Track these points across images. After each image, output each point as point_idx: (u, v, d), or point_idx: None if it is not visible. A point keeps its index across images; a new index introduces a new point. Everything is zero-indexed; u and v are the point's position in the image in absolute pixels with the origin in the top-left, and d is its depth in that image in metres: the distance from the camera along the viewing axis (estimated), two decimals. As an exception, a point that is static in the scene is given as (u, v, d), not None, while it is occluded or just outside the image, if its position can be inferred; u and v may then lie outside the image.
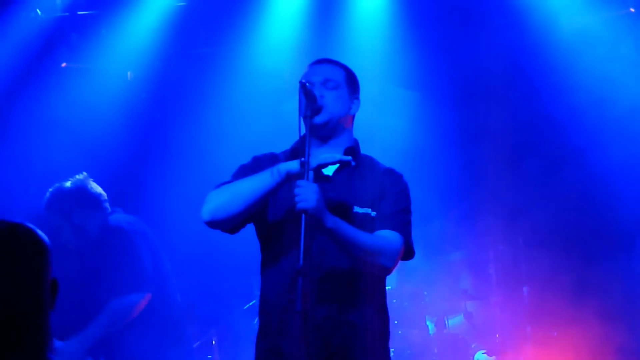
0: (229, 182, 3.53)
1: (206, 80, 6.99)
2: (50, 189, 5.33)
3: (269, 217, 3.52)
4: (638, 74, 6.24)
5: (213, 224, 3.45)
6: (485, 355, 6.74)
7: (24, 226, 2.01)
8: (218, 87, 6.95)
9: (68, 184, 5.31)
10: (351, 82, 3.68)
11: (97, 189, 5.33)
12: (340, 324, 3.41)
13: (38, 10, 6.50)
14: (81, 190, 5.27)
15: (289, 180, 3.31)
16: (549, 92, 6.62)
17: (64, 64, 6.77)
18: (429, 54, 6.75)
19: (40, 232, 2.02)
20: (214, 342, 6.27)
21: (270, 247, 3.53)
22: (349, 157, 3.37)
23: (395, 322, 6.50)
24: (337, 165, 3.55)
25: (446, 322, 6.77)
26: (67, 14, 6.68)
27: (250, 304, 6.25)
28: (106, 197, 5.34)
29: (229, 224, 3.47)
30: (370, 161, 3.68)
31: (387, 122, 6.75)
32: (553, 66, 6.53)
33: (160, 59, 6.88)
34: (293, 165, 3.30)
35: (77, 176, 5.35)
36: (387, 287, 6.28)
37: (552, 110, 6.61)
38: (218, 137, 6.88)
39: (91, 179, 5.36)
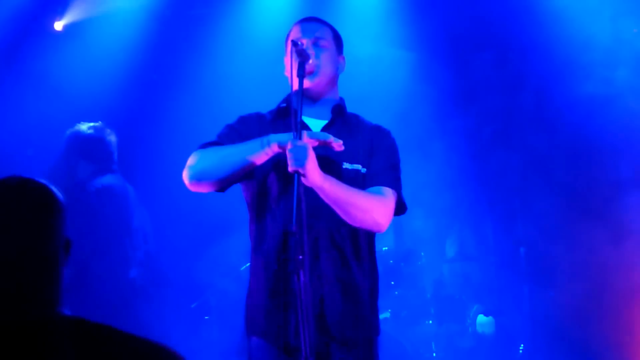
0: (214, 142, 3.52)
1: (197, 42, 6.96)
2: (71, 131, 5.37)
3: (258, 176, 3.52)
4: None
5: (195, 186, 3.43)
6: (482, 315, 6.77)
7: (37, 182, 1.96)
8: (209, 49, 6.93)
9: (85, 128, 5.36)
10: (338, 40, 3.71)
11: (112, 141, 5.38)
12: (332, 282, 3.43)
13: None
14: (98, 140, 5.32)
15: (278, 151, 3.30)
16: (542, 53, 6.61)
17: (57, 24, 6.74)
18: (424, 13, 6.71)
19: (54, 189, 1.97)
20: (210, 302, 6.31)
21: (261, 207, 3.52)
22: (340, 141, 3.36)
23: (392, 282, 6.53)
24: (325, 122, 3.57)
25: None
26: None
27: (246, 266, 6.27)
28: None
29: (212, 187, 3.46)
30: (356, 119, 3.69)
31: (381, 82, 6.72)
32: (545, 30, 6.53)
33: (153, 20, 6.85)
34: (283, 137, 3.29)
35: (97, 124, 5.39)
36: (384, 248, 6.42)
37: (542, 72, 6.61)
38: (207, 99, 6.87)
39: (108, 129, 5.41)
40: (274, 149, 3.31)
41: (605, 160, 6.33)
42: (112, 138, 5.43)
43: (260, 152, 3.33)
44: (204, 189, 3.46)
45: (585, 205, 6.50)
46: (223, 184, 3.45)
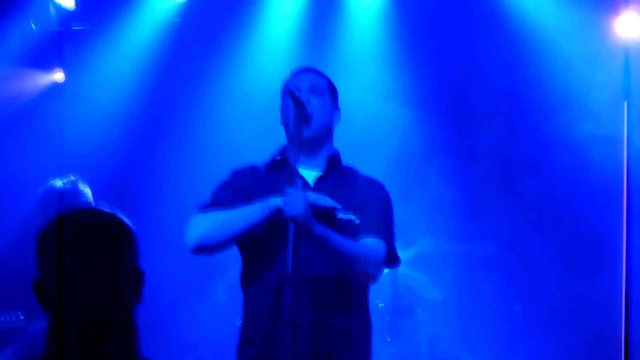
0: (212, 203, 3.53)
1: (199, 91, 7.01)
2: (45, 187, 5.30)
3: None
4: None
5: (198, 251, 3.46)
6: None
7: (112, 214, 1.86)
8: (211, 96, 6.98)
9: (60, 184, 5.30)
10: (333, 92, 3.74)
11: (88, 193, 5.32)
12: (325, 328, 3.42)
13: (32, 25, 6.51)
14: (73, 194, 5.26)
15: (279, 216, 3.31)
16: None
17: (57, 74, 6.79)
18: (422, 66, 6.79)
19: (125, 219, 1.88)
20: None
21: (255, 255, 3.52)
22: (339, 206, 3.41)
23: (388, 339, 6.48)
24: (320, 173, 3.58)
25: None
26: (62, 29, 6.69)
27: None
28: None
29: (214, 251, 3.49)
30: (351, 171, 3.72)
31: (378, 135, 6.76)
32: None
33: (154, 74, 6.90)
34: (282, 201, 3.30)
35: (70, 177, 5.34)
36: (380, 304, 6.38)
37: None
38: (205, 141, 6.91)
39: (82, 182, 5.35)
40: (275, 213, 3.32)
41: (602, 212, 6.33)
42: (87, 190, 5.37)
43: (261, 219, 3.35)
44: (205, 253, 3.49)
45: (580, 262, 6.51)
46: (225, 248, 3.48)
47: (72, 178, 5.33)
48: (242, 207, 3.43)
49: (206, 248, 3.45)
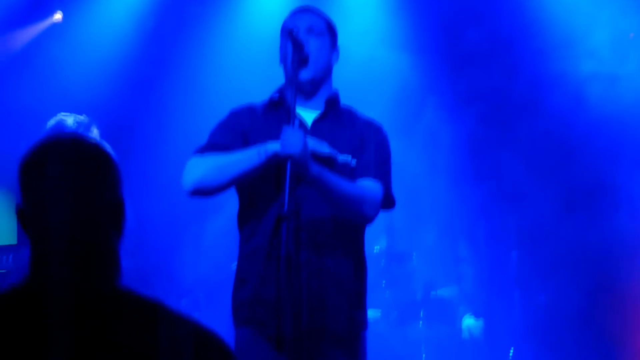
0: (209, 144, 3.52)
1: (192, 34, 6.98)
2: (55, 121, 5.25)
3: None
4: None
5: (195, 194, 3.46)
6: (472, 318, 6.77)
7: (95, 143, 1.84)
8: (204, 41, 6.95)
9: (71, 120, 5.24)
10: (332, 31, 3.70)
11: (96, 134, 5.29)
12: (319, 270, 3.42)
13: None
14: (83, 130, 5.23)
15: (276, 160, 3.31)
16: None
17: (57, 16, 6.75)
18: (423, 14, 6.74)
19: (109, 149, 1.86)
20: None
21: (252, 195, 3.52)
22: (337, 153, 3.41)
23: (383, 283, 6.53)
24: (318, 113, 3.57)
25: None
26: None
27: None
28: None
29: (211, 194, 3.48)
30: (349, 112, 3.69)
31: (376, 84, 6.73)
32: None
33: (153, 16, 6.86)
34: (280, 146, 3.28)
35: (82, 117, 5.30)
36: (375, 248, 6.42)
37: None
38: (199, 91, 6.89)
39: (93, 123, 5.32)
40: (271, 158, 3.32)
41: (602, 155, 6.32)
42: (95, 132, 5.35)
43: (258, 164, 3.35)
44: (202, 196, 3.49)
45: (580, 207, 6.51)
46: (222, 191, 3.47)
47: (83, 118, 5.30)
48: (239, 151, 3.43)
49: (202, 191, 3.45)
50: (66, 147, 1.81)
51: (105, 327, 1.71)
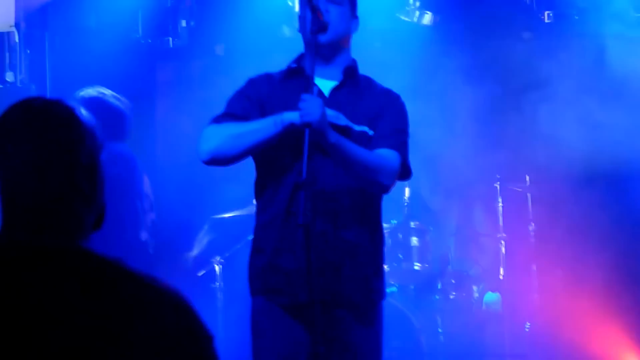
0: (226, 114, 3.51)
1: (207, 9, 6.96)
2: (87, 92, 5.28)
3: None
4: None
5: (211, 163, 3.46)
6: (489, 292, 6.75)
7: (64, 104, 1.84)
8: (219, 16, 6.93)
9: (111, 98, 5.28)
10: (352, 0, 3.66)
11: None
12: (335, 239, 3.42)
13: None
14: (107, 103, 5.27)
15: (292, 130, 3.30)
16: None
17: None
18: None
19: (83, 114, 1.86)
20: (217, 268, 6.31)
21: (270, 163, 3.52)
22: (353, 125, 3.41)
23: (400, 256, 6.52)
24: (335, 83, 3.56)
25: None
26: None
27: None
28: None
29: (227, 163, 3.48)
30: (367, 81, 3.68)
31: (394, 55, 6.70)
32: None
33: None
34: (296, 116, 3.27)
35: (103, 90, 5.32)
36: (392, 222, 6.41)
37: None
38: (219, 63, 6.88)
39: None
40: (288, 127, 3.31)
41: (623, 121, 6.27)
42: (127, 108, 5.37)
43: (274, 133, 3.33)
44: (218, 165, 3.50)
45: (600, 178, 6.47)
46: (238, 160, 3.47)
47: (114, 94, 5.32)
48: (255, 121, 3.42)
49: (219, 160, 3.45)
50: (35, 108, 1.81)
51: (59, 284, 1.71)
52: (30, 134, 1.78)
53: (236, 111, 3.52)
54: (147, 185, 5.40)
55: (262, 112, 3.50)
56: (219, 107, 3.61)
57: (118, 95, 5.35)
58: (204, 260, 6.61)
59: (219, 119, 3.51)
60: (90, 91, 5.31)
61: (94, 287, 1.71)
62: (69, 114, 1.83)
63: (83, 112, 1.87)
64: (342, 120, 3.44)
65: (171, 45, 6.92)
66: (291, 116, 3.29)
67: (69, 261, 1.76)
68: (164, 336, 1.70)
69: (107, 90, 5.35)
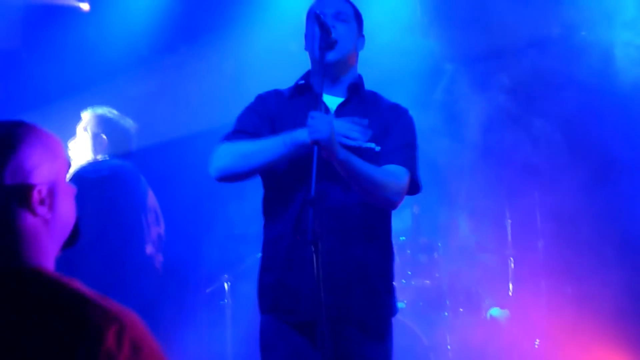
0: (237, 131, 3.53)
1: (216, 25, 6.98)
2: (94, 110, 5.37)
3: None
4: None
5: (221, 180, 3.48)
6: (497, 308, 6.73)
7: (13, 123, 1.87)
8: (228, 32, 6.95)
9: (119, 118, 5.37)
10: (358, 18, 3.71)
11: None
12: (344, 256, 3.42)
13: None
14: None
15: (301, 149, 3.31)
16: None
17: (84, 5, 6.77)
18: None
19: (33, 130, 1.88)
20: (226, 286, 6.30)
21: (278, 180, 3.53)
22: (362, 141, 3.43)
23: (409, 273, 6.51)
24: (342, 99, 3.56)
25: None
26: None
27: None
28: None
29: (238, 180, 3.50)
30: (374, 96, 3.68)
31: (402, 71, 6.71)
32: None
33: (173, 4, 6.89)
34: (305, 135, 3.27)
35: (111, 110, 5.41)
36: (401, 238, 6.40)
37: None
38: (226, 78, 6.90)
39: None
40: (297, 147, 3.32)
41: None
42: (132, 128, 5.46)
43: (284, 153, 3.35)
44: (228, 182, 3.51)
45: (606, 200, 6.44)
46: (248, 178, 3.49)
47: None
48: (265, 139, 3.42)
49: (229, 178, 3.47)
50: None
51: (8, 303, 1.71)
52: None
53: (247, 128, 3.53)
54: (152, 199, 5.44)
55: (272, 128, 3.52)
56: (227, 123, 3.62)
57: (124, 117, 5.44)
58: (213, 277, 6.61)
59: (230, 137, 3.53)
60: (99, 110, 5.40)
61: (37, 308, 1.70)
62: (20, 135, 1.85)
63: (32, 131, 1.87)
64: (355, 133, 3.43)
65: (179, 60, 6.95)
66: (300, 136, 3.30)
67: (14, 282, 1.75)
68: (107, 356, 1.67)
69: (115, 110, 5.44)
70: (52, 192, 1.87)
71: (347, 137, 3.43)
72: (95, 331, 1.68)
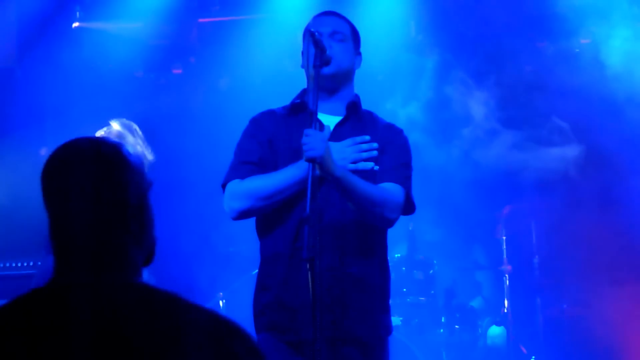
0: (243, 162, 3.52)
1: (217, 44, 6.99)
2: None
3: (272, 168, 3.51)
4: None
5: (240, 219, 3.50)
6: (494, 326, 6.72)
7: (109, 142, 1.88)
8: (227, 51, 6.97)
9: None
10: (355, 36, 3.70)
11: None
12: (342, 275, 3.41)
13: None
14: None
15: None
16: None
17: (75, 24, 6.76)
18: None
19: (127, 151, 1.88)
20: (221, 304, 6.28)
21: None
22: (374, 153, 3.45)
23: (404, 290, 6.49)
24: (339, 118, 3.56)
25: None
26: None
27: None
28: None
29: (254, 215, 3.52)
30: (370, 116, 3.69)
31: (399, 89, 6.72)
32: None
33: (171, 22, 6.88)
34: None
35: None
36: (396, 255, 6.38)
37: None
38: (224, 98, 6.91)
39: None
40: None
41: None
42: (131, 139, 5.39)
43: (301, 178, 3.34)
44: (246, 218, 3.54)
45: (602, 215, 6.43)
46: (262, 212, 3.51)
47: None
48: (279, 173, 3.43)
49: (248, 216, 3.50)
50: (84, 151, 1.84)
51: (124, 320, 1.73)
52: (82, 174, 1.81)
53: (252, 158, 3.53)
54: None
55: (271, 149, 3.51)
56: (222, 141, 3.61)
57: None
58: (207, 294, 6.59)
59: (238, 171, 3.51)
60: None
61: (157, 321, 1.74)
62: (117, 153, 1.86)
63: (130, 150, 1.90)
64: (362, 164, 3.46)
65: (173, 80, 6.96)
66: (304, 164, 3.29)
67: (134, 294, 1.79)
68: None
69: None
70: (141, 209, 1.89)
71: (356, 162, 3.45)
72: (213, 337, 1.76)
